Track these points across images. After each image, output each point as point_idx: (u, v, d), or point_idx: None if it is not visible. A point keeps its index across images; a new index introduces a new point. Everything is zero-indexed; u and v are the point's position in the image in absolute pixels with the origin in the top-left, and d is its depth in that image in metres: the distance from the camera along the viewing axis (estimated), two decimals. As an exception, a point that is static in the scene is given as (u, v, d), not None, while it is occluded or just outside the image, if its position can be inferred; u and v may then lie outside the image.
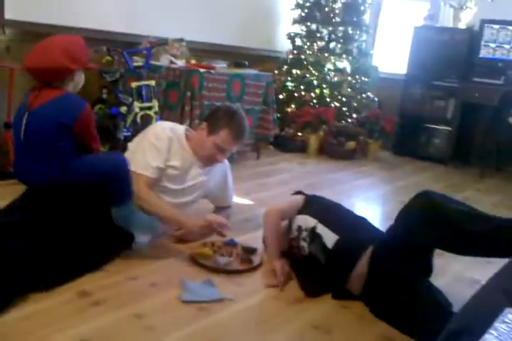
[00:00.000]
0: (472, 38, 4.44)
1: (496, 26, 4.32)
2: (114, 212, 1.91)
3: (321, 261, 1.89)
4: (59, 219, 1.84)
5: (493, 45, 4.36)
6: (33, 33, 3.17)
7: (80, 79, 1.95)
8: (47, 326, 1.49)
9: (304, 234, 1.97)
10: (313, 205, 2.09)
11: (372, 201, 3.39)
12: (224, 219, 2.16)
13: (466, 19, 4.55)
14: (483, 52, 4.40)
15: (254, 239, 2.33)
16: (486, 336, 0.68)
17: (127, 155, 2.10)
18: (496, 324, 0.72)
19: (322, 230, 1.90)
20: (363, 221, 2.05)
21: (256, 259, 2.09)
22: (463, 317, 0.95)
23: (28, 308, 1.57)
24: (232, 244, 2.15)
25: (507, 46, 4.31)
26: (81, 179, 1.86)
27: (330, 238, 1.86)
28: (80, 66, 1.89)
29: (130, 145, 2.21)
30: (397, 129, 4.66)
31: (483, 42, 4.38)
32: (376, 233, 1.96)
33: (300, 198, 2.16)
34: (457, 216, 1.58)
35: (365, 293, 1.80)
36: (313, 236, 1.92)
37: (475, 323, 0.86)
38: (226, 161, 2.39)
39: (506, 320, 0.73)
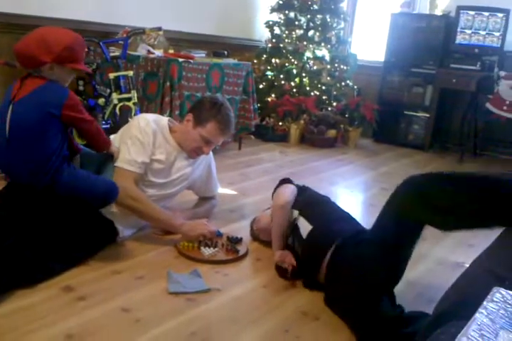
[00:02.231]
0: (448, 24, 4.47)
1: (472, 12, 4.36)
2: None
3: (298, 252, 1.90)
4: (42, 213, 1.80)
5: (469, 31, 4.40)
6: (6, 23, 3.08)
7: (62, 76, 1.85)
8: (32, 322, 1.47)
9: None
10: (300, 198, 2.07)
11: (354, 188, 3.42)
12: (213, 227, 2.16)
13: (443, 6, 4.58)
14: (460, 39, 4.44)
15: (239, 229, 2.33)
16: (477, 315, 0.70)
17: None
18: (485, 303, 0.73)
19: (302, 222, 1.92)
20: (344, 215, 2.02)
21: (242, 249, 2.09)
22: (452, 298, 0.96)
23: (12, 305, 1.54)
24: (217, 234, 2.14)
25: (483, 32, 4.35)
26: (68, 193, 1.83)
27: (306, 228, 1.87)
28: (54, 60, 1.79)
29: (112, 138, 2.16)
30: (377, 117, 4.69)
31: (459, 29, 4.42)
32: (353, 226, 1.93)
33: (294, 189, 2.14)
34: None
35: (326, 281, 1.78)
36: (293, 227, 1.93)
37: (464, 303, 0.87)
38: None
39: (495, 299, 0.75)
